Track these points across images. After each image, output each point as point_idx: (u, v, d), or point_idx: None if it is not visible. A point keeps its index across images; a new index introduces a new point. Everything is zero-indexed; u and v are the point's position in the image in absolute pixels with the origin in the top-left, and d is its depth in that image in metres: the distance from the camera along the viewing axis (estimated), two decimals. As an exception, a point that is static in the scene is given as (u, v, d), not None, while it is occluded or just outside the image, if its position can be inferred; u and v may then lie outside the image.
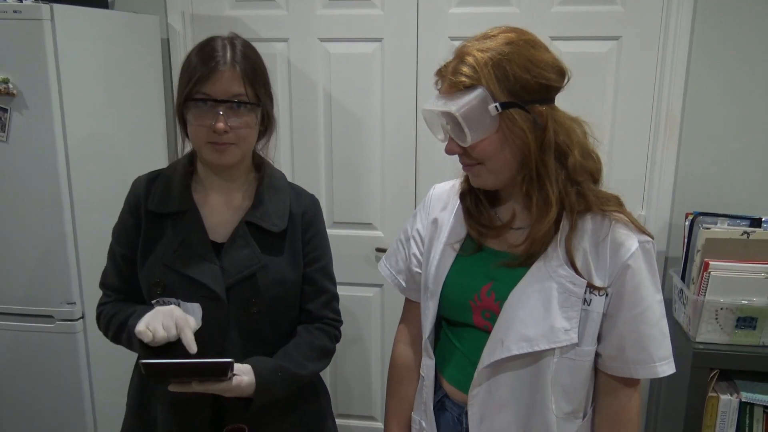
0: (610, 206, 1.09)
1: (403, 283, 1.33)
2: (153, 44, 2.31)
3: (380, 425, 2.57)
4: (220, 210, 1.32)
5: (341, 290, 1.47)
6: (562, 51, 2.11)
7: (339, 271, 1.48)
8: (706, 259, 1.86)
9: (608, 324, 1.10)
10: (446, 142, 1.11)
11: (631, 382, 1.13)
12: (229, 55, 1.22)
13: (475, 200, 1.17)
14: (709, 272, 1.85)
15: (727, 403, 1.92)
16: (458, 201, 1.21)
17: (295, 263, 1.33)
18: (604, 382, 1.15)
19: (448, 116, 1.05)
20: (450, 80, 1.05)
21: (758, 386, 1.89)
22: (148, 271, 1.28)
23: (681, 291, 1.99)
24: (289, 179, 1.43)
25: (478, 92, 1.02)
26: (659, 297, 1.10)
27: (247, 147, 1.28)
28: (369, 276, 2.45)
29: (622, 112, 2.18)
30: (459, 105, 1.02)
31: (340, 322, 1.43)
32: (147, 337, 1.12)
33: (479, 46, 1.04)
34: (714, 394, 1.93)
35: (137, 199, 1.32)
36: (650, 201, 2.22)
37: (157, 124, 2.37)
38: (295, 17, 2.30)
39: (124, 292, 1.35)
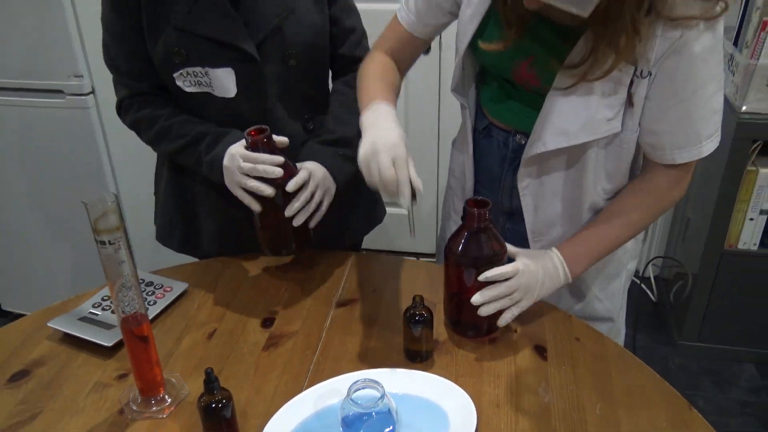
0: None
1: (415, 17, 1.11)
2: None
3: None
4: None
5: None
6: None
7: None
8: (765, 19, 1.67)
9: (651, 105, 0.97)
10: None
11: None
12: None
13: None
14: (767, 32, 1.67)
15: (765, 177, 1.83)
16: None
17: (319, 3, 1.18)
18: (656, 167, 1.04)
19: None
20: None
21: (802, 159, 1.80)
22: (163, 41, 1.10)
23: (732, 57, 1.82)
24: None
25: None
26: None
27: None
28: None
29: None
30: None
31: None
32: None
33: None
34: (753, 168, 1.84)
35: None
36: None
37: None
38: None
39: (138, 76, 1.16)
